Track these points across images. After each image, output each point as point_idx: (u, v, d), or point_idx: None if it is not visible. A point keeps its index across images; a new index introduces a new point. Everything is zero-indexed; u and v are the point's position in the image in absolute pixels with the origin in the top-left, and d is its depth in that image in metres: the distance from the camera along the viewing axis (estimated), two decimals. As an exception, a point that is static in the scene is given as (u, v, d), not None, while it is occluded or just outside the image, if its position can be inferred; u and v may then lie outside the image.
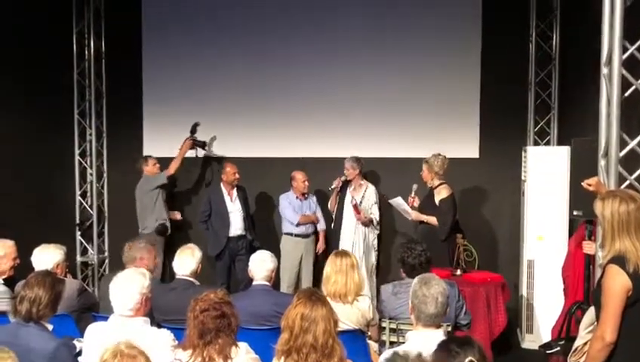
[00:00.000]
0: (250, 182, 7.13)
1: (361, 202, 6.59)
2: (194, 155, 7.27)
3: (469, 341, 2.17)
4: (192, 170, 7.52)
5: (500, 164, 6.86)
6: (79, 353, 3.29)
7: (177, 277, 4.26)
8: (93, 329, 3.26)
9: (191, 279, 4.22)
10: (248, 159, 7.24)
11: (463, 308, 4.06)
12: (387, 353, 2.82)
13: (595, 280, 3.31)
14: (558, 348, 4.45)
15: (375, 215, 6.66)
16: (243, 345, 2.96)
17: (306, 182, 6.77)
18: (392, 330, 3.99)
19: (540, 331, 5.86)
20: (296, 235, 6.76)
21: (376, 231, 6.76)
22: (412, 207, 6.13)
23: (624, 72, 3.52)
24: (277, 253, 5.31)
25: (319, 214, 6.89)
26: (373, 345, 3.98)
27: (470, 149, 6.96)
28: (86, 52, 7.69)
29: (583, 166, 4.13)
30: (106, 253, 7.96)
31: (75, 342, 3.43)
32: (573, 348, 3.27)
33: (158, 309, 3.83)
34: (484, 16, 6.88)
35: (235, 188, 6.87)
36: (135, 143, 7.63)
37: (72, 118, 7.67)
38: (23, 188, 6.60)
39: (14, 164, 6.52)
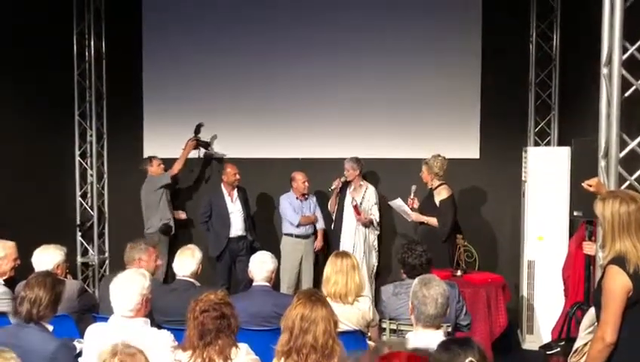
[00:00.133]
0: (251, 182, 7.13)
1: (361, 203, 6.59)
2: (197, 156, 7.31)
3: (469, 341, 2.16)
4: (195, 170, 7.53)
5: (500, 165, 6.86)
6: (79, 354, 3.29)
7: (178, 278, 4.26)
8: (93, 329, 3.26)
9: (191, 280, 4.22)
10: (248, 160, 7.24)
11: (463, 308, 4.05)
12: None
13: (596, 281, 3.30)
14: (559, 349, 4.44)
15: (375, 216, 6.66)
16: (243, 346, 2.96)
17: (306, 183, 6.77)
18: (393, 331, 3.98)
19: (541, 332, 5.85)
20: (297, 236, 6.76)
21: (377, 232, 6.76)
22: (412, 209, 6.13)
23: (624, 72, 3.51)
24: (277, 254, 5.31)
25: (319, 214, 6.89)
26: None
27: (470, 150, 6.96)
28: (86, 53, 7.68)
29: (583, 166, 4.13)
30: (107, 254, 7.96)
31: (75, 342, 3.44)
32: (574, 348, 3.27)
33: (159, 310, 3.83)
34: (484, 17, 6.88)
35: (236, 189, 6.88)
36: (135, 144, 7.63)
37: (73, 119, 7.67)
38: (24, 189, 6.60)
39: (14, 164, 6.52)
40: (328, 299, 3.19)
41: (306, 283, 6.71)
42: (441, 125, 6.98)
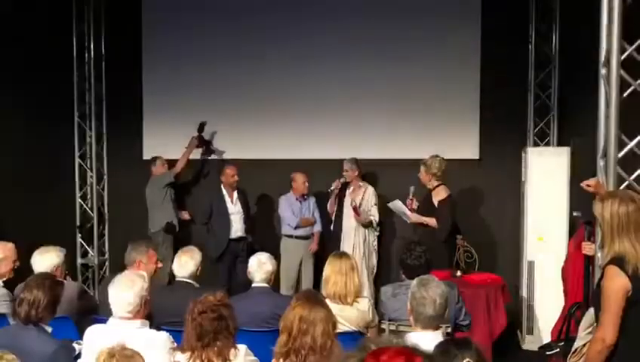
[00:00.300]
0: (250, 183, 7.13)
1: (360, 204, 6.59)
2: (199, 156, 7.33)
3: (467, 342, 2.16)
4: (198, 170, 7.55)
5: (500, 165, 6.86)
6: (78, 355, 3.29)
7: (177, 279, 4.26)
8: (92, 331, 3.26)
9: (190, 281, 4.22)
10: (248, 161, 7.23)
11: (463, 309, 4.05)
12: None
13: (595, 282, 3.30)
14: (558, 349, 4.43)
15: (375, 216, 6.66)
16: (242, 347, 2.96)
17: (306, 184, 6.76)
18: (392, 332, 3.98)
19: (540, 332, 5.85)
20: (296, 237, 6.76)
21: (377, 233, 6.76)
22: (411, 210, 6.12)
23: (623, 72, 3.51)
24: (277, 255, 5.31)
25: (317, 216, 6.89)
26: (373, 347, 3.97)
27: (470, 151, 6.96)
28: (86, 54, 7.68)
29: (582, 167, 4.13)
30: (107, 256, 7.95)
31: (74, 344, 3.44)
32: (573, 349, 3.26)
33: (158, 312, 3.82)
34: (483, 18, 6.87)
35: (236, 191, 6.88)
36: (135, 146, 7.63)
37: (72, 120, 7.67)
38: (23, 191, 6.60)
39: (14, 166, 6.53)
40: (328, 300, 3.19)
41: (306, 284, 6.70)
42: (440, 126, 6.97)
